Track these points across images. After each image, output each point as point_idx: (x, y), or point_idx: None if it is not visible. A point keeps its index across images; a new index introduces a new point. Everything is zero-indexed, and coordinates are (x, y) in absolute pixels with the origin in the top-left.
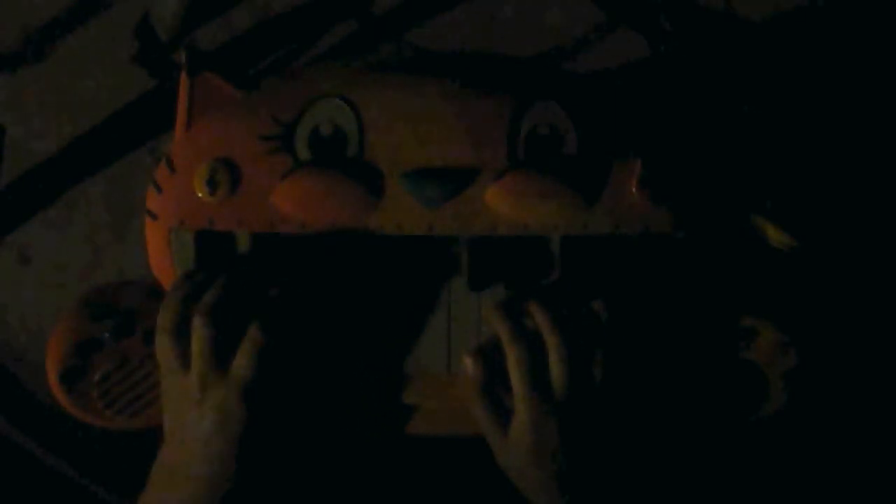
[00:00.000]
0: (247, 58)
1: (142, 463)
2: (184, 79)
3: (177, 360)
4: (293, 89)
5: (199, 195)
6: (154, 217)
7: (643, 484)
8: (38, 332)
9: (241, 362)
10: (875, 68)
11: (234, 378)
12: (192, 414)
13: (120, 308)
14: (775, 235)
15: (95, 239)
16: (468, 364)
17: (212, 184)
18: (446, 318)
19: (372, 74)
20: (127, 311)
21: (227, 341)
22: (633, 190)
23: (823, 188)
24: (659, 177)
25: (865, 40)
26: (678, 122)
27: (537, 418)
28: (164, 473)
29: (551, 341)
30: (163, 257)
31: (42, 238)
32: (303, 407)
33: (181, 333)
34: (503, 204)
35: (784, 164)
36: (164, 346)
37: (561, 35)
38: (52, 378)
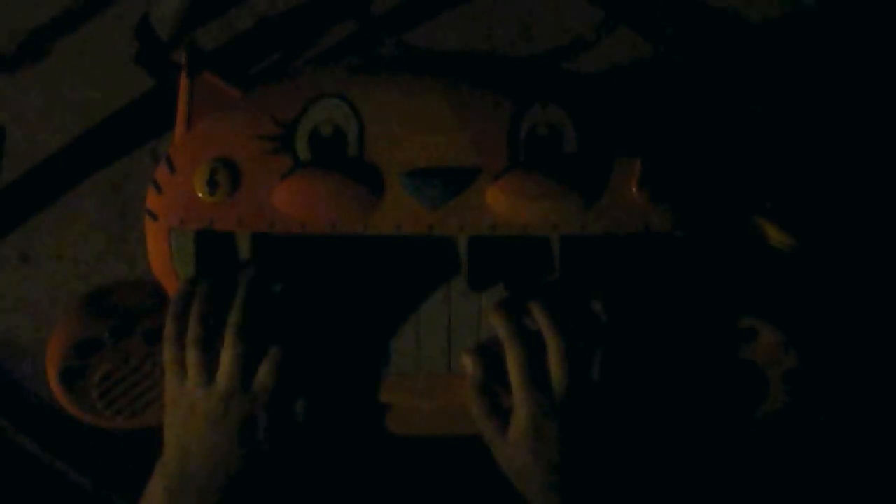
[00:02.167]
0: (247, 58)
1: (142, 463)
2: (184, 79)
3: (198, 377)
4: (293, 89)
5: (199, 195)
6: (154, 217)
7: (643, 484)
8: (39, 332)
9: (267, 377)
10: (875, 68)
11: (258, 392)
12: (209, 427)
13: (120, 308)
14: (775, 235)
15: (95, 239)
16: (467, 364)
17: (212, 184)
18: (446, 318)
19: (372, 74)
20: (127, 311)
21: (249, 354)
22: (633, 190)
23: (823, 188)
24: (659, 177)
25: (865, 40)
26: (678, 122)
27: (537, 418)
28: (166, 483)
29: (551, 341)
30: (163, 257)
31: (42, 238)
32: (312, 409)
33: (205, 351)
34: (503, 204)
35: (784, 164)
36: (180, 359)
37: (561, 35)
38: (52, 378)
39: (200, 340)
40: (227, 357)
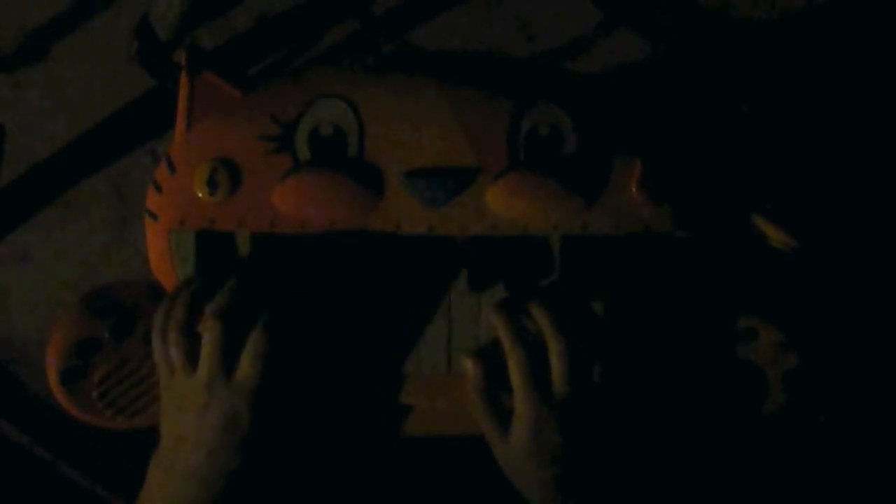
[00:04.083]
0: (247, 58)
1: (142, 463)
2: (184, 79)
3: (180, 364)
4: (293, 89)
5: (199, 195)
6: (154, 217)
7: (643, 484)
8: (39, 332)
9: (248, 366)
10: (875, 68)
11: (241, 382)
12: (196, 417)
13: (120, 308)
14: (775, 235)
15: (95, 239)
16: (468, 365)
17: (212, 184)
18: (446, 318)
19: (372, 75)
20: (127, 311)
21: (232, 345)
22: (633, 190)
23: (823, 188)
24: (659, 177)
25: (865, 40)
26: (678, 122)
27: (538, 419)
28: (162, 474)
29: (551, 342)
30: (163, 257)
31: (42, 238)
32: (305, 407)
33: (185, 337)
34: (503, 204)
35: (784, 164)
36: (166, 350)
37: (561, 35)
38: (52, 378)
39: (183, 326)
40: (206, 340)
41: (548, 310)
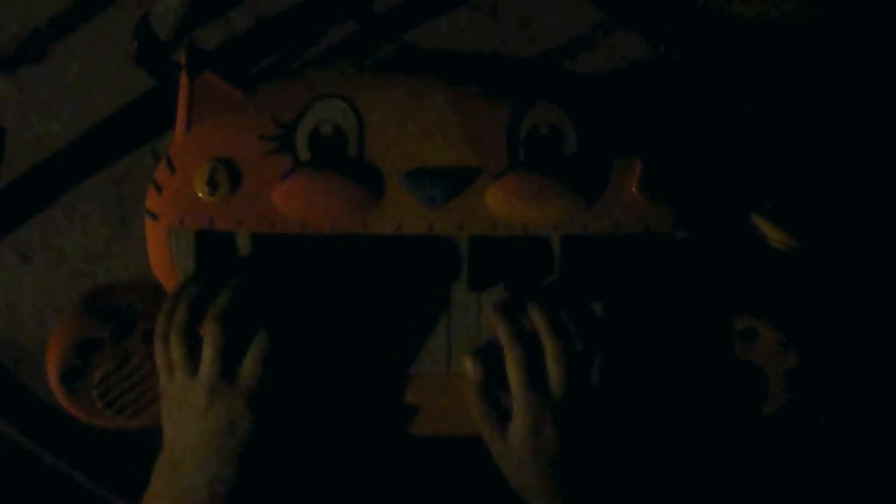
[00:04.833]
0: (247, 58)
1: (142, 463)
2: (184, 79)
3: (181, 366)
4: (293, 89)
5: (199, 195)
6: (154, 217)
7: (642, 485)
8: (39, 331)
9: (250, 369)
10: (875, 68)
11: (242, 385)
12: (197, 420)
13: (120, 308)
14: (775, 235)
15: (95, 239)
16: (467, 365)
17: (212, 184)
18: (446, 318)
19: (372, 75)
20: (127, 311)
21: (233, 347)
22: (633, 190)
23: (823, 188)
24: (659, 177)
25: (865, 40)
26: (678, 122)
27: (535, 419)
28: (165, 476)
29: (548, 343)
30: (163, 257)
31: (42, 238)
32: (305, 408)
33: (186, 339)
34: (503, 204)
35: (784, 164)
36: (168, 352)
37: (561, 35)
38: (52, 378)
39: (184, 328)
40: (207, 343)
41: (545, 311)
